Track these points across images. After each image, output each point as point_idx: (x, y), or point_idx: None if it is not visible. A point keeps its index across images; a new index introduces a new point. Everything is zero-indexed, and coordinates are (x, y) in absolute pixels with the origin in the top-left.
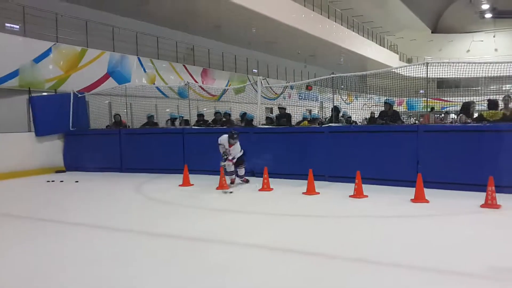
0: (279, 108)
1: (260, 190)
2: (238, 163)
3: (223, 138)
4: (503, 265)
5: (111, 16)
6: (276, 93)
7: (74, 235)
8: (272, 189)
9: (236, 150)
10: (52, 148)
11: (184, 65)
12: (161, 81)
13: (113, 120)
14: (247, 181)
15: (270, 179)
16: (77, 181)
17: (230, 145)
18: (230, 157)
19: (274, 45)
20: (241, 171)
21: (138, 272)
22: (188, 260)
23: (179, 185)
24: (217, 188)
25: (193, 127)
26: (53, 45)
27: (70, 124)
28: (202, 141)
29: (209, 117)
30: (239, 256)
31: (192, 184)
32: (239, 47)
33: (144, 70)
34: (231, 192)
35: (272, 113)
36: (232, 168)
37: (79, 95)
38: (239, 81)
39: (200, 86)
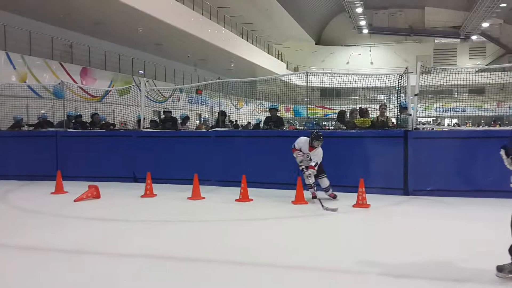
0: (164, 111)
1: (142, 196)
2: (318, 172)
3: (301, 141)
4: (370, 259)
5: None
6: (164, 96)
7: None
8: (155, 195)
9: (319, 155)
10: None
11: (61, 63)
12: (34, 80)
13: None
14: (334, 197)
15: (153, 185)
16: None
17: (312, 148)
18: (312, 163)
19: (162, 47)
20: (325, 182)
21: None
22: (59, 273)
23: (51, 193)
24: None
25: (69, 130)
26: None
27: None
28: (78, 144)
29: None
30: (112, 267)
31: (66, 192)
32: (124, 46)
33: (14, 67)
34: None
35: (161, 116)
36: (313, 180)
37: None
38: (124, 82)
39: (80, 87)
